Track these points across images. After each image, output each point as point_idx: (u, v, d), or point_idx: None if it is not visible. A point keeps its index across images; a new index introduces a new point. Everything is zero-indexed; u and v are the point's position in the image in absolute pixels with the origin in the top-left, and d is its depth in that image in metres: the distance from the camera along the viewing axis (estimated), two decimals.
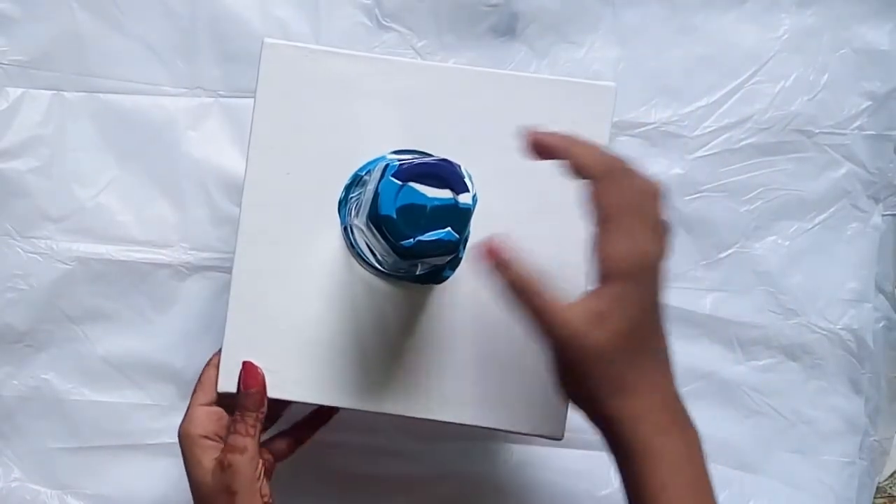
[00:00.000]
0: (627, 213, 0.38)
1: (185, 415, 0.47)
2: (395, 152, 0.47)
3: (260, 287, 0.47)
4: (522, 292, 0.39)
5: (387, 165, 0.41)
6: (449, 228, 0.40)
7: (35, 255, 0.59)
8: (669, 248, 0.39)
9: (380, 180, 0.40)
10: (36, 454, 0.60)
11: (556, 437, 0.47)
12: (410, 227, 0.39)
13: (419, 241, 0.39)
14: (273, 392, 0.47)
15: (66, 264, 0.59)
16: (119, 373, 0.60)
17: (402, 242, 0.39)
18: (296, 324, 0.47)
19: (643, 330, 0.38)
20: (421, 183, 0.40)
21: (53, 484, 0.60)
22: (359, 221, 0.44)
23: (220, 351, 0.47)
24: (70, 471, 0.60)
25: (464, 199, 0.40)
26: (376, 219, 0.40)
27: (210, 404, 0.47)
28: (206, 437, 0.46)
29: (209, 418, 0.46)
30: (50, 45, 0.59)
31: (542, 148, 0.40)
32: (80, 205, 0.59)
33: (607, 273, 0.37)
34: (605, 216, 0.38)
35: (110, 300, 0.60)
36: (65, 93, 0.59)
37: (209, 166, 0.60)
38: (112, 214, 0.59)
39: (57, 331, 0.60)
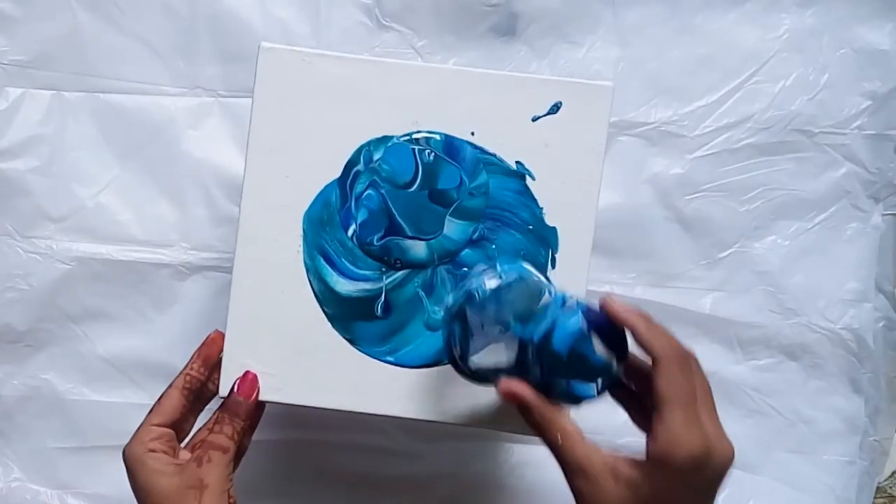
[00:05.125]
0: (692, 402, 0.37)
1: (136, 433, 0.46)
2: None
3: (260, 290, 0.46)
4: (545, 429, 0.39)
5: (569, 299, 0.41)
6: (594, 385, 0.40)
7: (35, 255, 0.59)
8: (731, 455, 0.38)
9: (560, 308, 0.40)
10: (36, 454, 0.60)
11: None
12: (571, 372, 0.40)
13: (571, 384, 0.40)
14: (273, 395, 0.46)
15: (66, 264, 0.59)
16: (119, 372, 0.60)
17: (553, 381, 0.40)
18: (296, 327, 0.47)
19: None
20: (597, 335, 0.40)
21: (53, 483, 0.60)
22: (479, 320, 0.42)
23: (183, 374, 0.47)
24: (70, 470, 0.60)
25: (620, 367, 0.41)
26: (544, 348, 0.40)
27: (162, 425, 0.46)
28: (152, 450, 0.45)
29: (159, 438, 0.45)
30: (50, 45, 0.59)
31: (612, 315, 0.40)
32: (80, 204, 0.59)
33: (659, 457, 0.36)
34: (668, 399, 0.37)
35: (110, 300, 0.60)
36: (65, 92, 0.59)
37: (209, 166, 0.59)
38: (112, 214, 0.59)
39: (57, 330, 0.60)
